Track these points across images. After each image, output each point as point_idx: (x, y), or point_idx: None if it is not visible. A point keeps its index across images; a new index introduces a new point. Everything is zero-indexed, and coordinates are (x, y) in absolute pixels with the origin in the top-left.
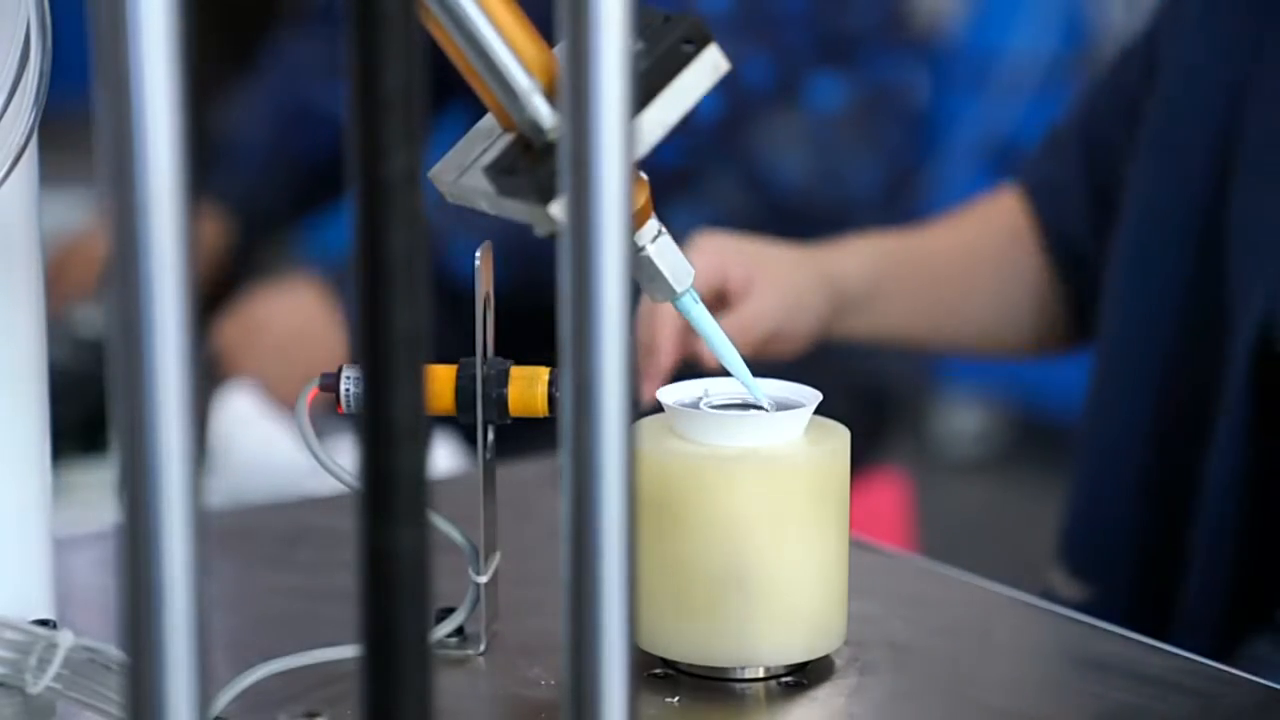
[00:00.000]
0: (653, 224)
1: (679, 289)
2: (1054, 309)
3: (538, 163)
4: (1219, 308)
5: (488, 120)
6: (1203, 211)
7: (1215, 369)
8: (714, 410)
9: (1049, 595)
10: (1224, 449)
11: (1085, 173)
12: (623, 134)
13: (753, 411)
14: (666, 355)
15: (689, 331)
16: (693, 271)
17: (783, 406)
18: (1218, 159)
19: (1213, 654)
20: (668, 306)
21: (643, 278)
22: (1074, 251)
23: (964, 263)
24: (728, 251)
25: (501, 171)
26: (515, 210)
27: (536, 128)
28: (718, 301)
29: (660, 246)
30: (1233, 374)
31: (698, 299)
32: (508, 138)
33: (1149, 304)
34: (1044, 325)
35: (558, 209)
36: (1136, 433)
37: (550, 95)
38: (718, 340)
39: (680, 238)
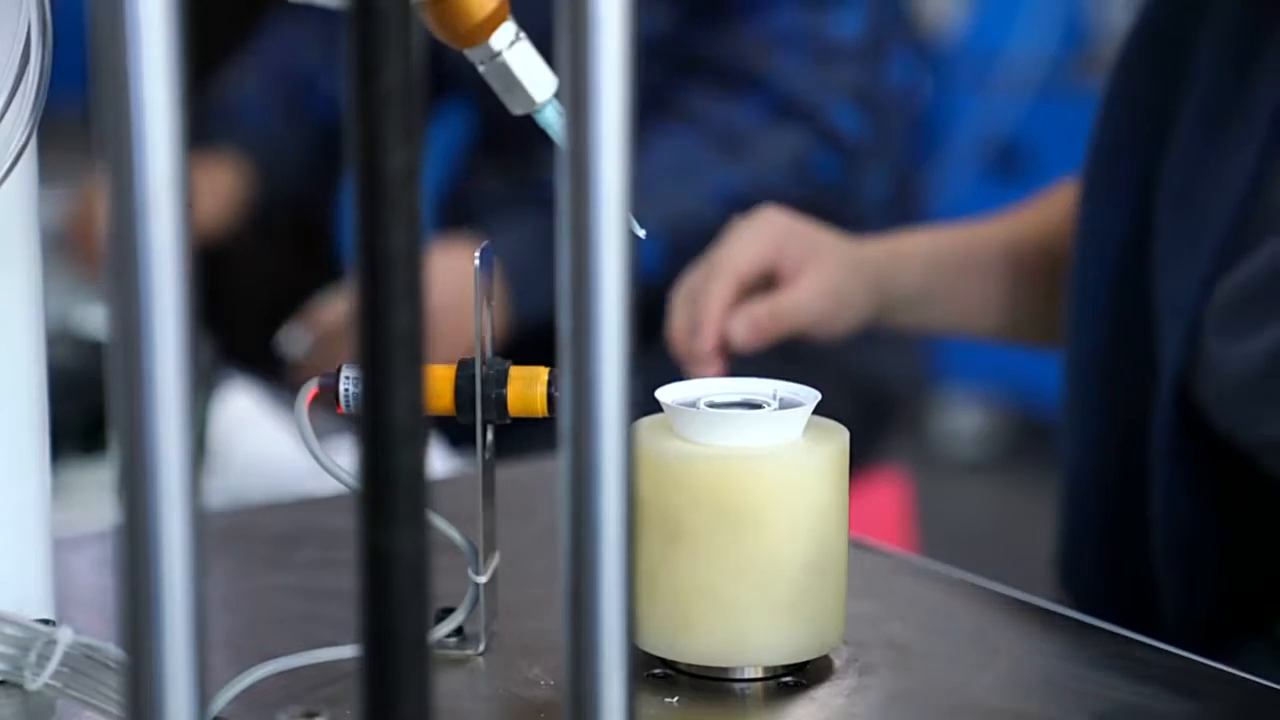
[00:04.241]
0: (509, 28)
1: (539, 99)
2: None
3: None
4: (1147, 323)
5: None
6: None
7: (1148, 396)
8: (713, 410)
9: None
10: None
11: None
12: (623, 134)
13: (752, 411)
14: (709, 337)
15: (728, 314)
16: (555, 81)
17: (782, 406)
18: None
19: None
20: (717, 289)
21: (500, 87)
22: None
23: (1011, 258)
24: (788, 232)
25: None
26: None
27: None
28: (766, 281)
29: (518, 53)
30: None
31: (561, 111)
32: None
33: (1087, 316)
34: (1050, 320)
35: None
36: (1093, 448)
37: None
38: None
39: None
